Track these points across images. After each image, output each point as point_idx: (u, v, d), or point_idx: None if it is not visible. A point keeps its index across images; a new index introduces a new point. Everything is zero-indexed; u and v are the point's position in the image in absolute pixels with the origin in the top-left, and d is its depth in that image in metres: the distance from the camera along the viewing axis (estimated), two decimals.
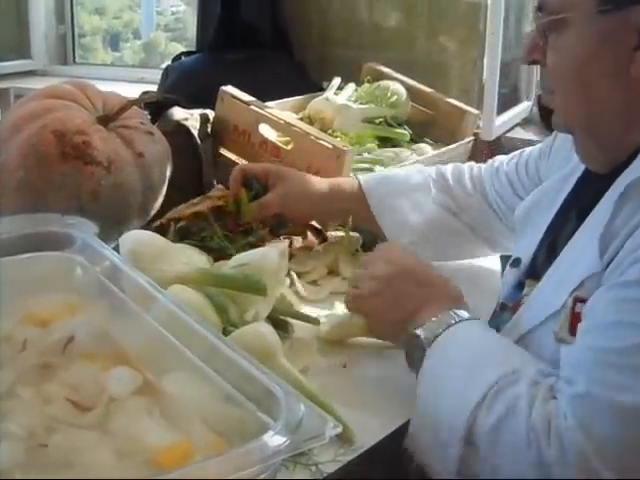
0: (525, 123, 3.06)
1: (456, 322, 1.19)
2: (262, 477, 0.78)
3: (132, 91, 2.19)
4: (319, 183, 1.70)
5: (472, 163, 1.80)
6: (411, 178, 1.75)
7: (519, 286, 1.37)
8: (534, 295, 1.27)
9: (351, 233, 1.74)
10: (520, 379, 1.07)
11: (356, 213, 1.71)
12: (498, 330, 1.31)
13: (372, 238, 1.83)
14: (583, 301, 1.11)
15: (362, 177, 1.73)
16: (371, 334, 1.37)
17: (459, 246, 1.74)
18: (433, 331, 1.19)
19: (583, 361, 1.05)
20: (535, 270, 1.34)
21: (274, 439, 0.77)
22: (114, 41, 5.18)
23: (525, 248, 1.39)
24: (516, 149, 2.80)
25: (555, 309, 1.16)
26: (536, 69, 3.13)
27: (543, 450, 1.01)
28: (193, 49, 3.12)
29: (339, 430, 0.80)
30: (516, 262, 1.41)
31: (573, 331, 1.11)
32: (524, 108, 3.08)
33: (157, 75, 3.11)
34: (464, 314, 1.21)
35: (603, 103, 1.16)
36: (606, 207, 1.13)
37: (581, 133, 1.22)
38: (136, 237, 1.33)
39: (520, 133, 2.96)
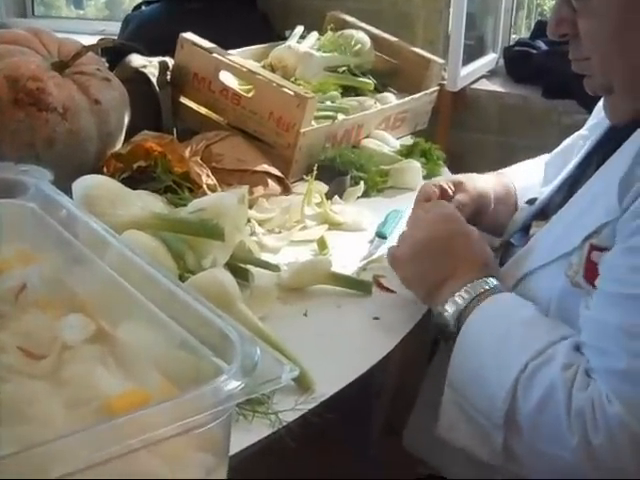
0: (491, 75, 3.05)
1: (481, 294, 1.22)
2: (216, 423, 0.76)
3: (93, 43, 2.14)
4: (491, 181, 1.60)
5: None
6: None
7: (527, 227, 1.39)
8: (543, 234, 1.28)
9: (316, 182, 1.72)
10: (550, 361, 1.09)
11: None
12: (502, 265, 1.34)
13: (337, 188, 1.81)
14: (599, 249, 1.12)
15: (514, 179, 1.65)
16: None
17: None
18: (457, 306, 1.22)
19: (613, 333, 1.05)
20: (545, 211, 1.36)
21: (228, 383, 0.74)
22: None
23: (544, 191, 1.42)
24: (481, 100, 2.84)
25: (566, 250, 1.17)
26: (503, 21, 3.12)
27: (590, 436, 1.02)
28: None
29: (296, 374, 0.77)
30: (532, 201, 1.45)
31: (589, 277, 1.13)
32: (490, 60, 3.08)
33: (118, 27, 3.06)
34: (491, 282, 1.24)
35: None
36: (626, 154, 1.14)
37: (621, 91, 1.20)
38: (90, 181, 1.29)
39: (485, 85, 2.95)
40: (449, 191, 1.49)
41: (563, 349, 1.09)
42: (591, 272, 1.13)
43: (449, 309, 1.23)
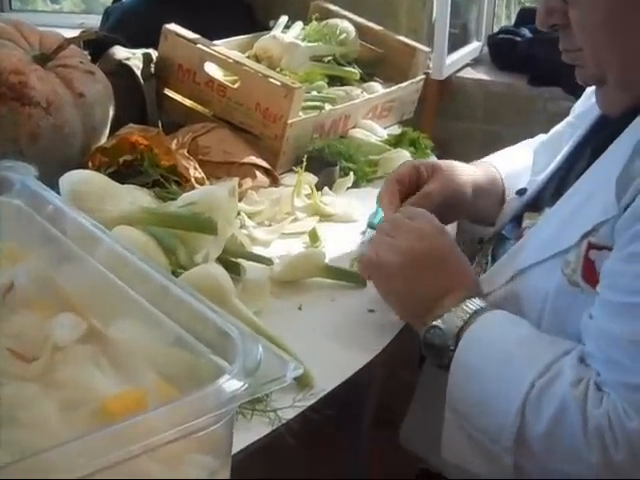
0: (475, 63, 3.04)
1: (475, 312, 1.16)
2: (219, 425, 0.74)
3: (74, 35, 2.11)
4: (472, 172, 1.50)
5: None
6: None
7: (518, 218, 1.35)
8: (537, 229, 1.24)
9: (305, 173, 1.70)
10: (557, 377, 1.06)
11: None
12: (495, 260, 1.31)
13: (326, 179, 1.79)
14: (597, 247, 1.09)
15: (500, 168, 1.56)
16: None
17: None
18: (454, 323, 1.16)
19: (623, 345, 1.02)
20: (537, 202, 1.33)
21: (230, 383, 0.72)
22: None
23: (534, 180, 1.39)
24: (466, 89, 2.82)
25: (562, 247, 1.14)
26: (486, 9, 3.10)
27: (611, 452, 0.99)
28: None
29: (300, 372, 0.75)
30: (522, 191, 1.40)
31: (587, 277, 1.10)
32: (474, 48, 3.07)
33: (98, 21, 3.02)
34: (480, 303, 1.18)
35: (637, 49, 1.12)
36: (623, 148, 1.11)
37: (614, 83, 1.17)
38: (77, 176, 1.27)
39: (471, 73, 2.94)
40: (424, 175, 1.42)
41: (569, 364, 1.07)
42: (589, 271, 1.10)
43: (443, 326, 1.16)
